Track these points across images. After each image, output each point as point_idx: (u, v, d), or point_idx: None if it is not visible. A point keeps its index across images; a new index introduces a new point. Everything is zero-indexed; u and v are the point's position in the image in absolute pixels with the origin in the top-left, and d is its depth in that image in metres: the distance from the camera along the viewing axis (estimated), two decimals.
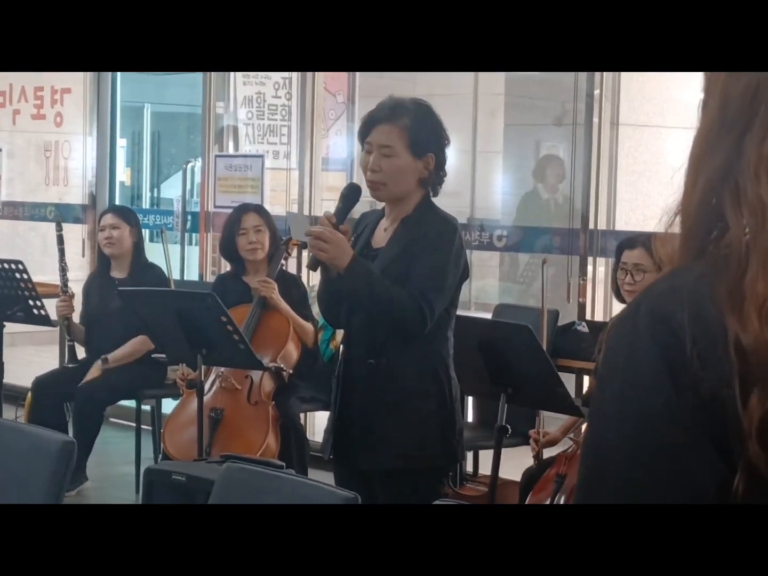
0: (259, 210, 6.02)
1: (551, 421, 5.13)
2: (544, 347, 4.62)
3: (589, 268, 6.45)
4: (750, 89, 1.08)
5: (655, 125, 6.88)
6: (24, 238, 9.85)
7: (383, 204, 3.81)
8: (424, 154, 3.66)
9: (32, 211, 9.10)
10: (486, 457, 5.08)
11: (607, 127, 6.52)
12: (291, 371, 5.63)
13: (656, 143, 6.85)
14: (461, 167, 9.66)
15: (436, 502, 2.70)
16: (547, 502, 4.50)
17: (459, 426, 3.76)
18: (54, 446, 3.05)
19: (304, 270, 6.77)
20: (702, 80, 1.15)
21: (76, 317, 6.43)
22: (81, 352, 6.48)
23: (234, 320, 4.98)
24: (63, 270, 6.35)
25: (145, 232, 7.16)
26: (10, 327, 6.62)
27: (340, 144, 8.06)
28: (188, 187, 8.59)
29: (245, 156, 7.78)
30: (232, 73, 8.00)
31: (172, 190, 11.51)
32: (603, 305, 6.47)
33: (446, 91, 8.79)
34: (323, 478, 3.69)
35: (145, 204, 12.32)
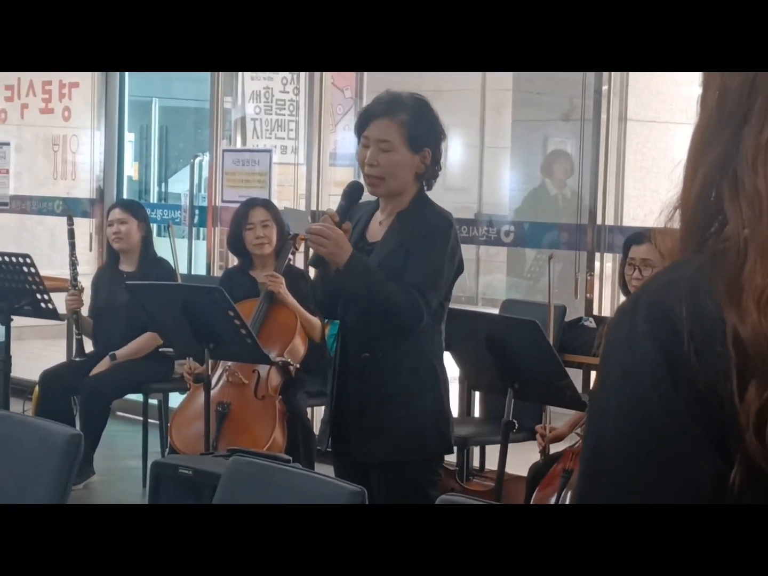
0: (267, 205, 6.03)
1: (558, 417, 5.13)
2: (552, 343, 4.62)
3: (597, 263, 6.45)
4: (747, 82, 1.09)
5: (663, 121, 6.88)
6: (32, 232, 9.87)
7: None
8: (421, 148, 3.67)
9: (40, 205, 9.10)
10: (493, 452, 5.09)
11: (615, 123, 6.51)
12: (298, 366, 5.64)
13: (664, 139, 6.85)
14: (469, 163, 9.67)
15: (443, 497, 2.71)
16: (554, 498, 4.50)
17: (451, 416, 3.83)
18: (61, 439, 3.06)
19: None
20: (701, 75, 1.15)
21: (84, 311, 6.45)
22: (89, 346, 6.49)
23: (241, 314, 4.99)
24: (73, 264, 6.36)
25: (153, 227, 7.16)
26: (17, 321, 6.63)
27: (348, 139, 8.05)
28: (196, 181, 8.59)
29: (253, 151, 7.79)
30: None
31: (179, 184, 11.51)
32: (610, 301, 6.47)
33: (454, 87, 8.79)
34: (330, 472, 3.71)
35: (153, 198, 12.33)
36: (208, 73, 8.11)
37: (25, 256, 6.46)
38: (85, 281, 6.57)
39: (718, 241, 1.08)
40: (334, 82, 7.86)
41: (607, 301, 6.49)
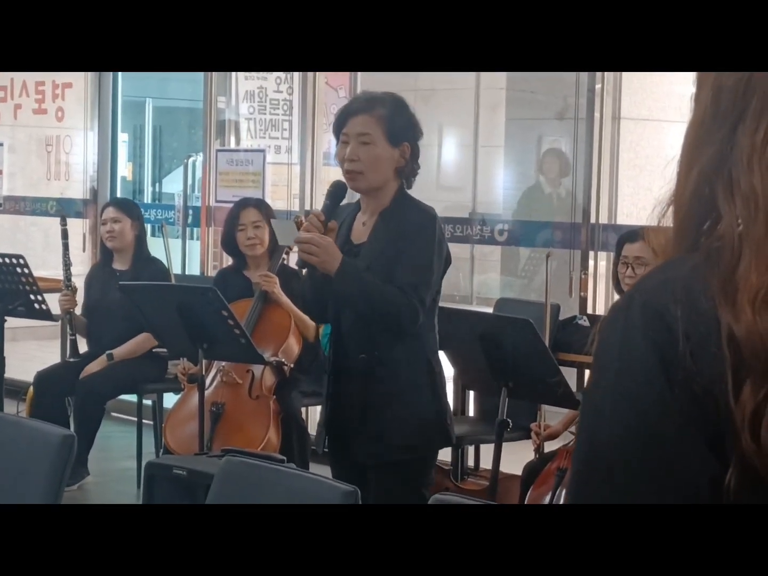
0: (259, 205, 6.01)
1: (552, 415, 5.14)
2: (547, 341, 4.62)
3: (591, 262, 6.45)
4: (742, 81, 1.09)
5: (657, 119, 6.88)
6: (25, 232, 9.86)
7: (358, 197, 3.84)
8: (400, 143, 3.70)
9: (33, 206, 9.10)
10: (487, 451, 5.09)
11: (608, 122, 6.52)
12: (292, 365, 5.64)
13: (658, 137, 6.86)
14: (463, 162, 9.67)
15: (436, 496, 2.71)
16: (549, 496, 4.51)
17: (450, 410, 3.85)
18: (54, 440, 3.05)
19: None
20: (695, 73, 1.15)
21: (78, 310, 6.44)
22: (83, 347, 6.49)
23: (235, 315, 4.99)
24: (66, 264, 6.36)
25: (147, 227, 7.16)
26: (11, 322, 6.62)
27: None
28: (189, 181, 8.59)
29: (246, 151, 7.79)
30: None
31: (173, 184, 11.51)
32: (604, 299, 6.48)
33: (448, 86, 8.80)
34: (324, 471, 3.70)
35: (147, 198, 12.33)
36: (202, 73, 8.11)
37: (18, 257, 6.45)
38: (79, 282, 6.56)
39: (712, 239, 1.08)
40: (328, 81, 7.86)
41: (601, 300, 6.49)
